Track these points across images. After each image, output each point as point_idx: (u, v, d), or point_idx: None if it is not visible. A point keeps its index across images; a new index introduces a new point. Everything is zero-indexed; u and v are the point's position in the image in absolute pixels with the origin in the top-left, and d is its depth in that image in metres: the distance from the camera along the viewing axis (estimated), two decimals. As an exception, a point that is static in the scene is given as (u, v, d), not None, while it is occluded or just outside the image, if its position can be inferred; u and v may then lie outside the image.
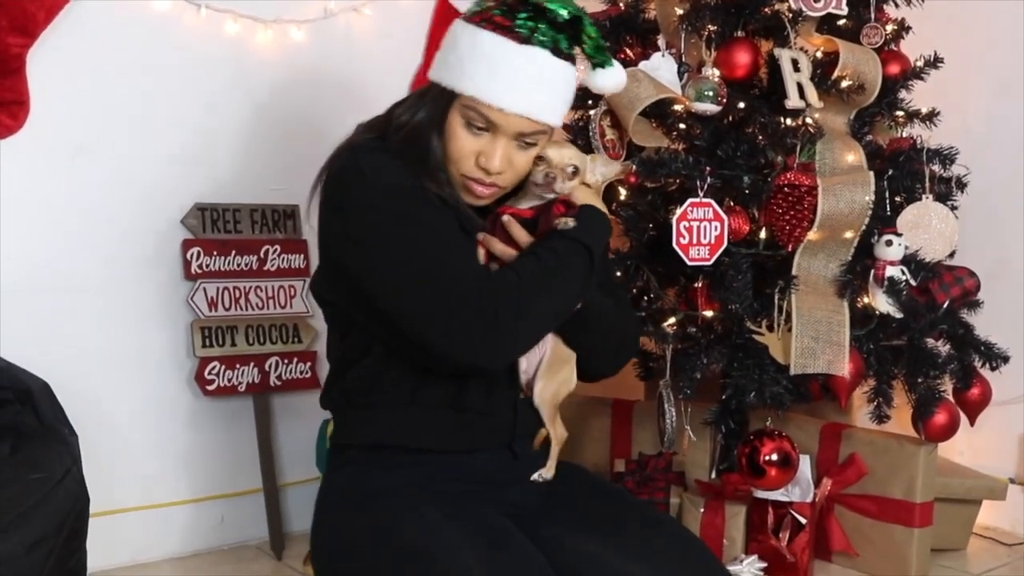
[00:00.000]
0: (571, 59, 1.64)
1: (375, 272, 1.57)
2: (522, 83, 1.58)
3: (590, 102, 2.89)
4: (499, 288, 1.55)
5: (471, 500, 1.64)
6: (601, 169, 1.75)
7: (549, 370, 1.70)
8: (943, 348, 2.74)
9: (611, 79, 1.71)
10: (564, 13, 1.58)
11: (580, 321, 1.68)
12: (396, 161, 1.62)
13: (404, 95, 2.81)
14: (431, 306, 1.54)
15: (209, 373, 2.84)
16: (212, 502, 2.94)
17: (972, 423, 2.77)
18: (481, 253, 1.64)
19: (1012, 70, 3.05)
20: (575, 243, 1.61)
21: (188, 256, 2.84)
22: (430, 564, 1.51)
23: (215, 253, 2.88)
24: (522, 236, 1.64)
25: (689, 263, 2.55)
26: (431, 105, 1.64)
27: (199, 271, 2.85)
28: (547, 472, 1.72)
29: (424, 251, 1.56)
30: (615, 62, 1.71)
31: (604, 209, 1.71)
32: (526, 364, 1.69)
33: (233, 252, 2.90)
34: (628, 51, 2.96)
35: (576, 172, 1.66)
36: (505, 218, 1.65)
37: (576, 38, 1.62)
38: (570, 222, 1.63)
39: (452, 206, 1.63)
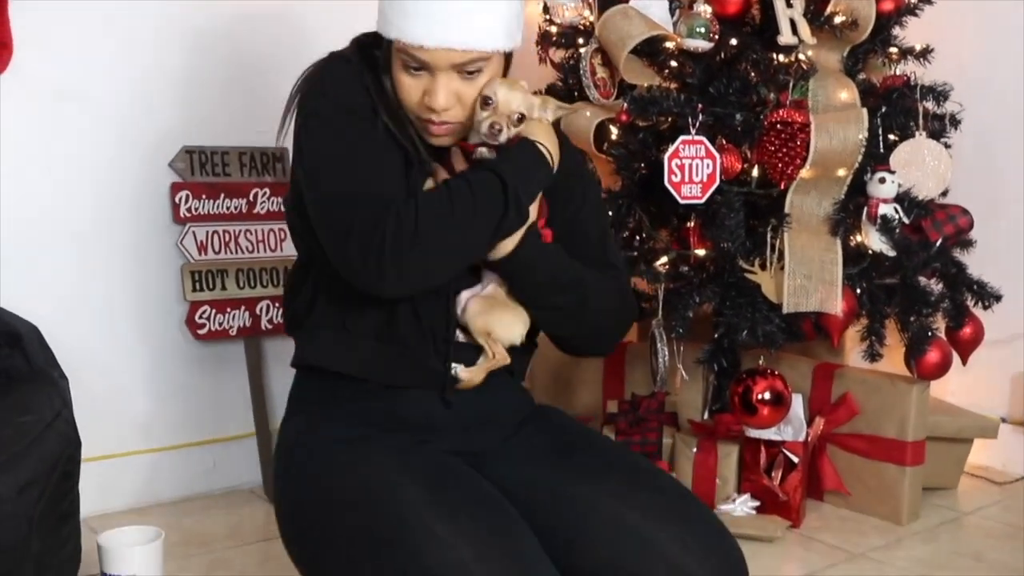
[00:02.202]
0: None
1: (307, 182, 1.58)
2: (439, 16, 1.53)
3: (580, 40, 2.87)
4: (399, 214, 1.50)
5: (414, 444, 1.61)
6: (552, 111, 1.66)
7: (484, 301, 1.64)
8: (936, 287, 2.74)
9: None
10: None
11: (521, 269, 1.62)
12: (361, 79, 1.60)
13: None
14: (338, 225, 1.53)
15: (200, 317, 2.83)
16: (204, 447, 2.94)
17: (964, 362, 2.77)
18: (428, 183, 1.60)
19: (1006, 6, 3.01)
20: (488, 174, 1.55)
21: (176, 200, 2.81)
22: (376, 511, 1.49)
23: (204, 196, 2.85)
24: (462, 166, 1.60)
25: (681, 201, 2.53)
26: (383, 53, 1.62)
27: (188, 215, 2.82)
28: (463, 372, 1.64)
29: (346, 172, 1.55)
30: None
31: (552, 143, 1.63)
32: (464, 296, 1.65)
33: (222, 195, 2.87)
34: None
35: (523, 118, 1.60)
36: (452, 148, 1.62)
37: None
38: (485, 151, 1.58)
39: (403, 143, 1.60)
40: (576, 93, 2.80)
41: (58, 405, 2.25)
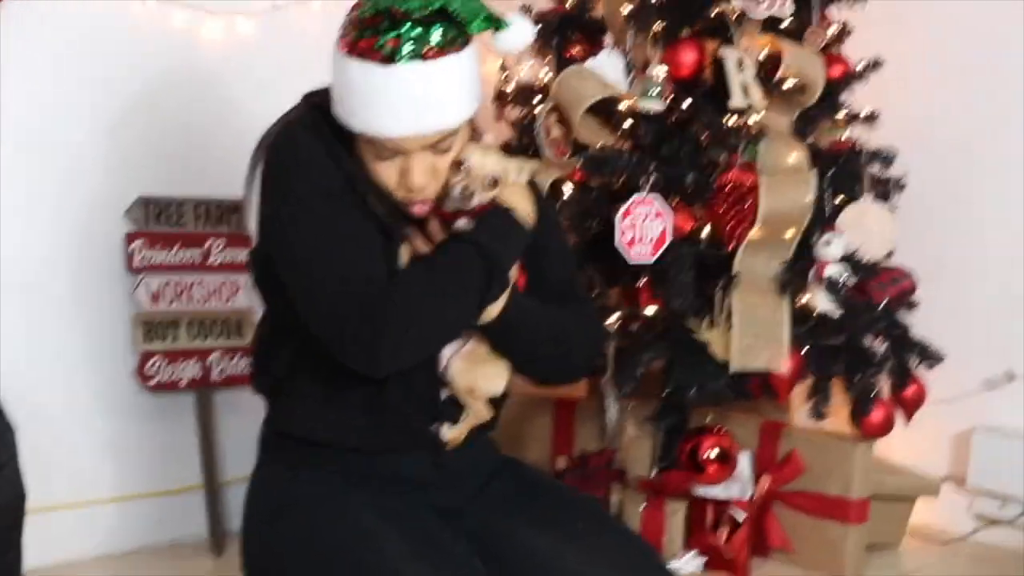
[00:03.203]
0: (457, 45, 1.52)
1: (288, 266, 1.57)
2: (403, 105, 1.50)
3: (536, 99, 2.91)
4: (389, 297, 1.50)
5: (397, 502, 1.61)
6: (528, 172, 1.65)
7: (466, 358, 1.64)
8: (880, 347, 2.78)
9: (515, 38, 1.59)
10: (417, 6, 1.48)
11: (505, 329, 1.62)
12: (329, 151, 1.57)
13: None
14: (329, 316, 1.52)
15: (150, 368, 2.82)
16: (152, 499, 2.91)
17: (907, 421, 2.81)
18: (404, 253, 1.58)
19: (950, 71, 3.09)
20: (468, 247, 1.54)
21: (131, 249, 2.81)
22: (355, 568, 1.51)
23: (158, 246, 2.85)
24: (438, 235, 1.58)
25: (631, 261, 2.57)
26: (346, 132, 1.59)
27: (142, 264, 2.82)
28: (449, 432, 1.64)
29: (330, 259, 1.53)
30: (514, 18, 1.58)
31: (527, 205, 1.63)
32: (447, 353, 1.64)
33: (177, 245, 2.87)
34: (575, 48, 2.98)
35: (496, 182, 1.58)
36: (429, 217, 1.59)
37: (453, 22, 1.51)
38: (463, 223, 1.57)
39: (375, 211, 1.58)
40: (530, 152, 2.83)
41: (4, 456, 2.23)
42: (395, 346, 1.51)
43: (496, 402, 1.70)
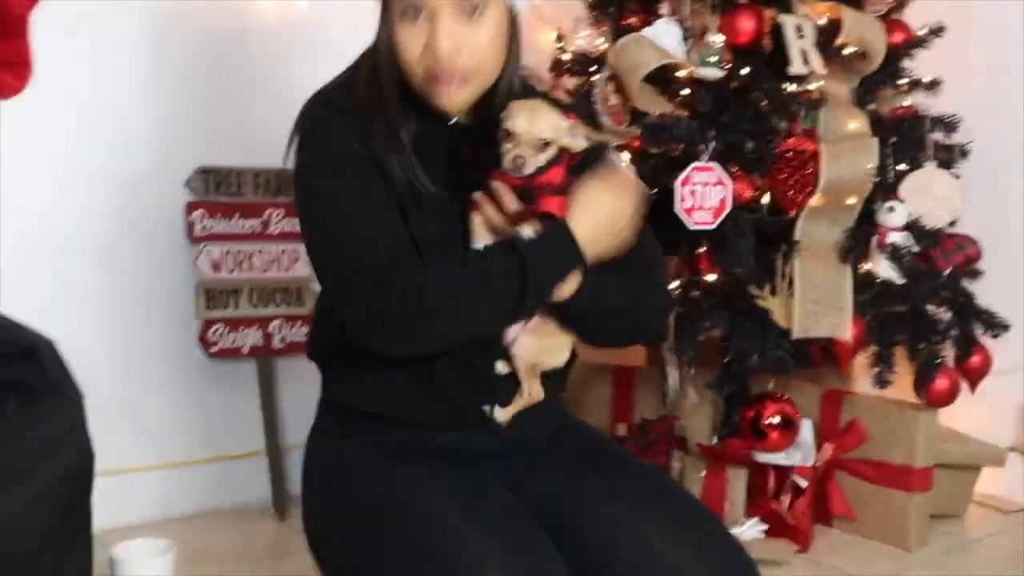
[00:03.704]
0: None
1: (308, 239, 1.55)
2: None
3: (593, 68, 2.90)
4: (404, 282, 1.44)
5: (450, 471, 1.58)
6: (583, 137, 1.53)
7: (533, 333, 1.58)
8: (945, 315, 2.75)
9: None
10: None
11: (575, 307, 1.55)
12: (353, 117, 1.54)
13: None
14: (341, 289, 1.50)
15: (213, 335, 2.86)
16: (216, 463, 2.96)
17: (972, 390, 2.78)
18: (476, 224, 1.52)
19: (1013, 37, 3.05)
20: (512, 260, 1.45)
21: (192, 219, 2.85)
22: (409, 523, 1.50)
23: (219, 216, 2.88)
24: (511, 204, 1.50)
25: (692, 227, 2.55)
26: (379, 25, 1.54)
27: (202, 233, 2.86)
28: (500, 414, 1.60)
29: (346, 229, 1.50)
30: None
31: (598, 221, 1.50)
32: (514, 329, 1.58)
33: (237, 215, 2.90)
34: (632, 17, 2.96)
35: (548, 145, 1.48)
36: (495, 184, 1.51)
37: None
38: (529, 231, 1.47)
39: (405, 174, 1.53)
40: (589, 120, 2.82)
41: (73, 419, 2.26)
42: (405, 334, 1.48)
43: (563, 368, 1.67)
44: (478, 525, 1.47)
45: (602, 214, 1.50)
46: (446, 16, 1.48)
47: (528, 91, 1.64)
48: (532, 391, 1.62)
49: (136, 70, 2.80)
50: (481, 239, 1.52)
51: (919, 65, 2.91)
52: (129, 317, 2.82)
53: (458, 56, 1.49)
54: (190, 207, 2.86)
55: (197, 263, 2.85)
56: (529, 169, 1.47)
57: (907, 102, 2.89)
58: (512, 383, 1.61)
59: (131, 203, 2.80)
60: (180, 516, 2.89)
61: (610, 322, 1.62)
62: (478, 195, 1.52)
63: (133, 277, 2.82)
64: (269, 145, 2.94)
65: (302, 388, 2.99)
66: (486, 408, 1.60)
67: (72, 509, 2.17)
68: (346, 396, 1.67)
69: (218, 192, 2.90)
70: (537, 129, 1.47)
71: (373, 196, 1.51)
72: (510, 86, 1.60)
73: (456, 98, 1.53)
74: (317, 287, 2.83)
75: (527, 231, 1.47)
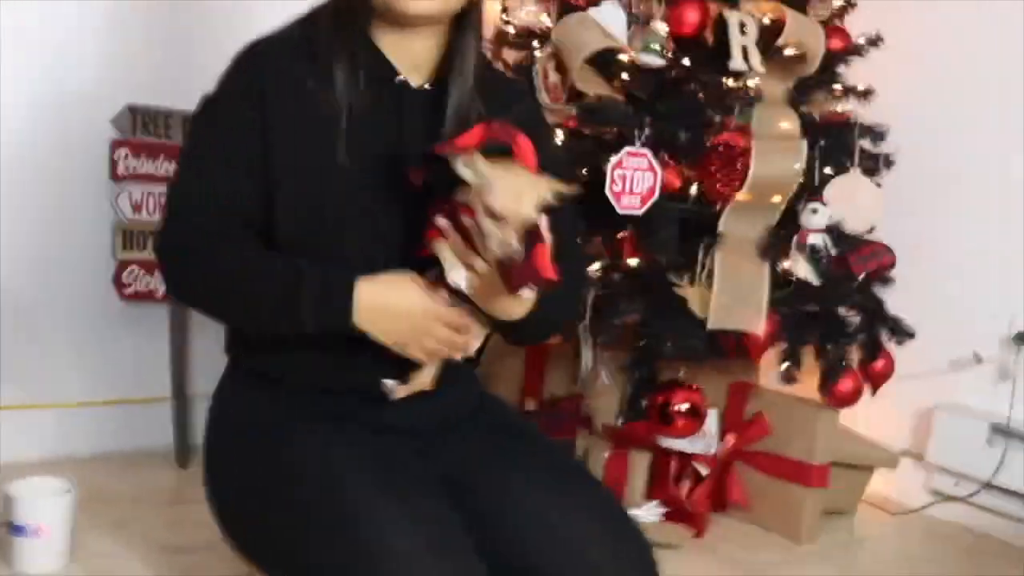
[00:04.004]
0: None
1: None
2: None
3: (535, 43, 2.90)
4: (196, 248, 1.56)
5: (358, 434, 1.59)
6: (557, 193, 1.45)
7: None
8: (854, 319, 2.82)
9: None
10: None
11: (521, 332, 1.61)
12: (275, 63, 1.57)
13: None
14: (163, 223, 1.61)
15: (127, 277, 2.81)
16: (120, 406, 2.91)
17: (874, 393, 2.86)
18: (447, 251, 1.48)
19: (946, 53, 3.12)
20: (287, 297, 1.50)
21: (115, 157, 2.79)
22: (314, 486, 1.50)
23: (143, 156, 2.82)
24: (481, 244, 1.45)
25: (620, 211, 2.57)
26: None
27: (125, 173, 2.80)
28: (394, 390, 1.59)
29: (185, 169, 1.61)
30: None
31: (399, 311, 1.51)
32: None
33: (161, 157, 2.85)
34: (579, -2, 2.97)
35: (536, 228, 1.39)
36: (465, 220, 1.44)
37: None
38: (528, 293, 1.48)
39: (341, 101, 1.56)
40: (527, 94, 2.83)
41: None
42: (179, 293, 1.66)
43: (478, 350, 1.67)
44: (383, 489, 1.48)
45: (394, 313, 1.52)
46: None
47: (481, 60, 1.67)
48: (425, 378, 1.60)
49: (70, 3, 2.72)
50: (455, 268, 1.48)
51: (855, 72, 2.96)
52: (44, 251, 2.76)
53: None
54: (114, 145, 2.80)
55: (117, 203, 2.79)
56: (518, 255, 1.39)
57: (839, 108, 2.95)
58: (410, 368, 1.59)
59: (53, 137, 2.73)
60: (79, 456, 2.83)
61: (532, 326, 1.61)
62: (444, 224, 1.49)
63: (52, 212, 2.76)
64: (199, 88, 2.92)
65: (213, 337, 2.97)
66: (385, 382, 1.59)
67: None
68: (250, 353, 1.66)
69: (145, 132, 2.84)
70: (526, 211, 1.39)
71: (225, 161, 1.56)
72: (471, 46, 1.64)
73: (427, 3, 1.54)
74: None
75: (527, 294, 1.48)
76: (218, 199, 1.55)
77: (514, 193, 1.39)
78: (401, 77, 1.62)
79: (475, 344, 1.61)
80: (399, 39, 1.61)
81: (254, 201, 1.55)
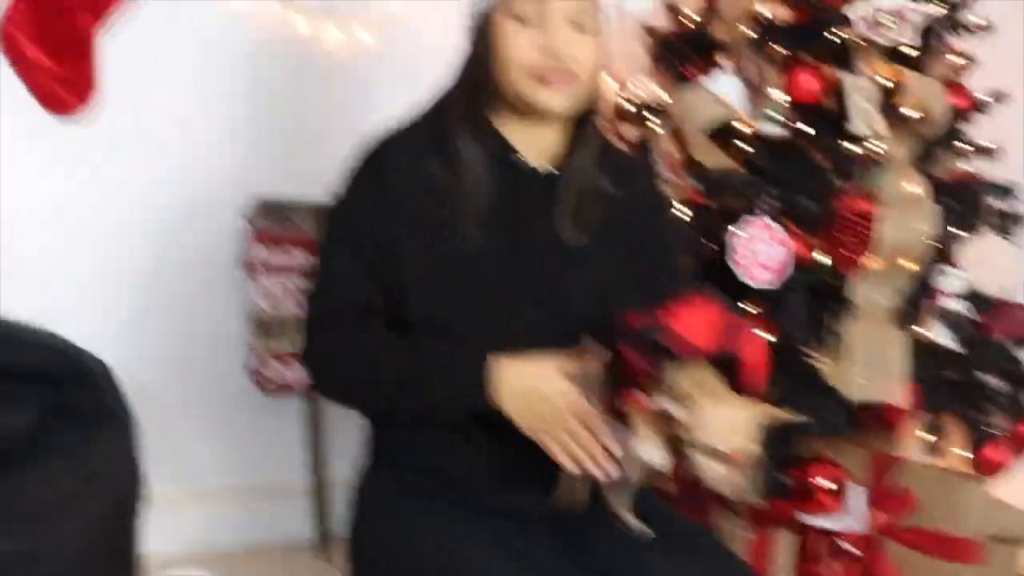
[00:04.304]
0: None
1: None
2: None
3: (652, 117, 2.90)
4: (330, 340, 1.61)
5: (504, 527, 1.57)
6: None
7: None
8: (999, 384, 2.73)
9: None
10: None
11: None
12: (418, 154, 1.62)
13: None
14: (305, 325, 1.65)
15: (264, 368, 2.87)
16: (259, 496, 2.97)
17: None
18: (640, 420, 1.42)
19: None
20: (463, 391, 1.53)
21: (248, 250, 2.86)
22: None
23: (274, 247, 2.90)
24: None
25: (753, 285, 2.54)
26: (474, 36, 1.62)
27: (258, 265, 2.87)
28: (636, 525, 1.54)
29: (325, 270, 1.64)
30: None
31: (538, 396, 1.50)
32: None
33: (293, 247, 2.92)
34: (691, 69, 2.97)
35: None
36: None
37: None
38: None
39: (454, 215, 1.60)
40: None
41: (126, 444, 2.28)
42: (325, 392, 1.68)
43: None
44: None
45: (533, 396, 1.50)
46: (564, 20, 1.56)
47: (603, 142, 1.70)
48: (577, 495, 1.56)
49: (202, 99, 2.84)
50: (651, 446, 1.43)
51: (980, 131, 2.90)
52: (181, 345, 2.85)
53: (571, 57, 1.56)
54: (247, 238, 2.87)
55: (250, 294, 2.86)
56: (746, 490, 1.36)
57: (967, 167, 2.89)
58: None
59: (189, 234, 2.83)
60: (221, 549, 2.89)
61: None
62: (645, 402, 1.44)
63: (187, 305, 2.85)
64: (327, 179, 2.99)
65: (349, 425, 3.01)
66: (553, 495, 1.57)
67: (120, 535, 2.17)
68: (392, 443, 1.67)
69: (276, 224, 2.91)
70: (743, 446, 1.33)
71: (360, 248, 1.60)
72: (594, 132, 1.68)
73: (559, 99, 1.59)
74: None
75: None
76: (354, 298, 1.59)
77: (729, 426, 1.31)
78: (524, 160, 1.65)
79: (628, 472, 1.51)
80: (525, 126, 1.65)
81: (389, 295, 1.59)
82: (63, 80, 2.62)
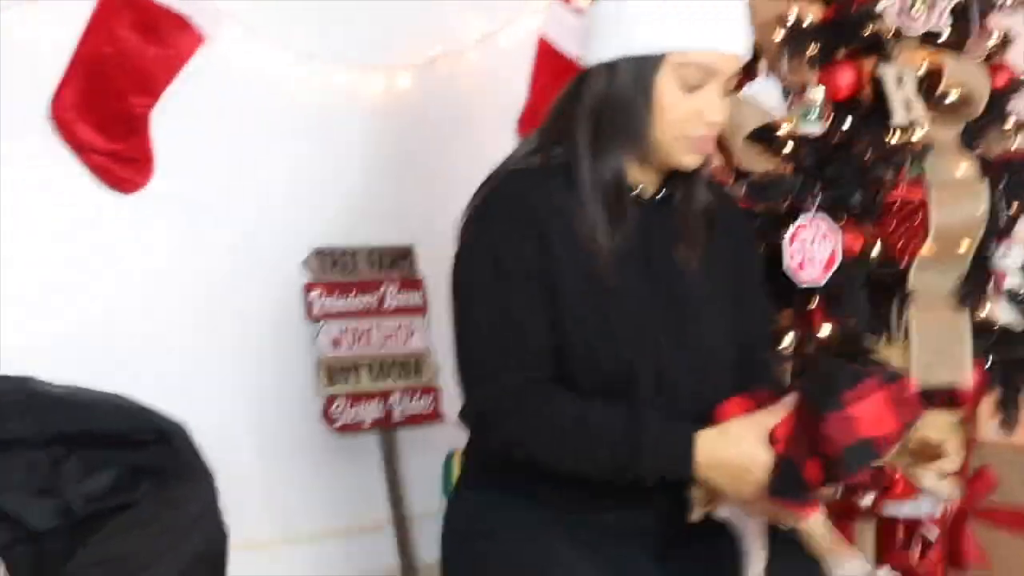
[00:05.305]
0: None
1: (459, 325, 1.62)
2: (727, 16, 1.52)
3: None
4: (517, 406, 1.54)
5: (602, 542, 1.60)
6: None
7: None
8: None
9: None
10: None
11: None
12: (543, 191, 1.58)
13: (510, 134, 2.87)
14: (465, 382, 1.60)
15: (335, 411, 2.93)
16: (342, 536, 3.01)
17: (1102, 433, 2.72)
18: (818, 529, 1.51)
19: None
20: (623, 454, 1.50)
21: (310, 298, 2.93)
22: None
23: (336, 294, 2.96)
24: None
25: (801, 283, 2.55)
26: (629, 81, 1.55)
27: (321, 312, 2.94)
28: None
29: (488, 333, 1.57)
30: None
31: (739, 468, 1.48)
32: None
33: (353, 292, 2.99)
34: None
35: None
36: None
37: None
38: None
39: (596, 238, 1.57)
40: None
41: (207, 498, 2.35)
42: (506, 452, 1.58)
43: None
44: None
45: (735, 469, 1.48)
46: (723, 90, 1.57)
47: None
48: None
49: (252, 163, 2.90)
50: (819, 534, 1.51)
51: (1024, 106, 2.88)
52: (253, 396, 2.91)
53: (722, 124, 1.60)
54: (308, 287, 2.94)
55: (317, 341, 2.93)
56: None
57: (1016, 144, 2.86)
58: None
59: (251, 288, 2.90)
60: (311, 590, 2.94)
61: None
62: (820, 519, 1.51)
63: (256, 357, 2.91)
64: (380, 222, 3.07)
65: (422, 458, 3.07)
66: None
67: (212, 587, 2.24)
68: (494, 470, 1.68)
69: (334, 271, 2.98)
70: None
71: (525, 308, 1.56)
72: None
73: (699, 160, 1.62)
74: (438, 360, 2.89)
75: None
76: (523, 350, 1.56)
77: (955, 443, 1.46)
78: (638, 191, 1.66)
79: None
80: (643, 165, 1.65)
81: (551, 340, 1.57)
82: (119, 158, 2.70)
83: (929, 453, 1.43)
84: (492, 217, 1.60)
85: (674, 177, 1.67)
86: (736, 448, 1.46)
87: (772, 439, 1.45)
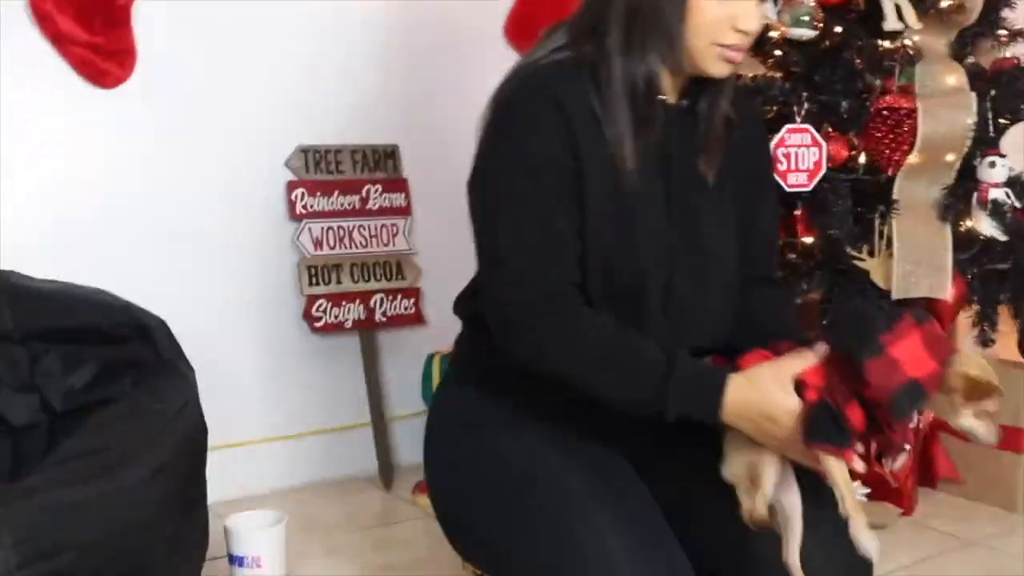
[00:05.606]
0: None
1: (481, 228, 1.56)
2: None
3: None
4: (549, 319, 1.49)
5: (588, 442, 1.58)
6: None
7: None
8: (1049, 271, 2.70)
9: None
10: None
11: None
12: (577, 99, 1.53)
13: (496, 38, 2.80)
14: (490, 288, 1.55)
15: (316, 310, 2.93)
16: (322, 436, 3.04)
17: (1080, 348, 2.72)
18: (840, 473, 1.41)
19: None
20: (653, 384, 1.45)
21: (293, 197, 2.92)
22: (532, 486, 1.52)
23: (318, 193, 2.95)
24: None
25: (787, 189, 2.54)
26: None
27: (303, 211, 2.93)
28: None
29: (515, 236, 1.52)
30: None
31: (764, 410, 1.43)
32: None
33: (336, 192, 2.97)
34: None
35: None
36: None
37: None
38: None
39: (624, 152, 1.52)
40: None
41: (186, 394, 2.35)
42: (529, 359, 1.52)
43: None
44: (596, 492, 1.50)
45: (762, 417, 1.44)
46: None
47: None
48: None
49: (235, 56, 2.86)
50: (848, 488, 1.44)
51: (1019, 14, 2.83)
52: (234, 295, 2.91)
53: (756, 33, 1.54)
54: (290, 186, 2.93)
55: (299, 240, 2.92)
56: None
57: (1007, 53, 2.82)
58: None
59: (233, 185, 2.88)
60: (288, 488, 2.98)
61: None
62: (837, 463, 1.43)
63: (237, 256, 2.90)
64: (366, 123, 3.04)
65: (403, 360, 3.08)
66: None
67: (188, 481, 2.26)
68: (485, 370, 1.65)
69: (317, 170, 2.96)
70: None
71: (558, 210, 1.51)
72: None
73: (729, 69, 1.56)
74: (420, 263, 2.87)
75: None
76: (558, 253, 1.52)
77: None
78: (664, 97, 1.60)
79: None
80: (671, 70, 1.59)
81: (578, 240, 1.53)
82: (100, 51, 2.66)
83: (980, 391, 1.43)
84: (521, 111, 1.55)
85: (699, 85, 1.64)
86: (764, 395, 1.43)
87: (802, 386, 1.43)
